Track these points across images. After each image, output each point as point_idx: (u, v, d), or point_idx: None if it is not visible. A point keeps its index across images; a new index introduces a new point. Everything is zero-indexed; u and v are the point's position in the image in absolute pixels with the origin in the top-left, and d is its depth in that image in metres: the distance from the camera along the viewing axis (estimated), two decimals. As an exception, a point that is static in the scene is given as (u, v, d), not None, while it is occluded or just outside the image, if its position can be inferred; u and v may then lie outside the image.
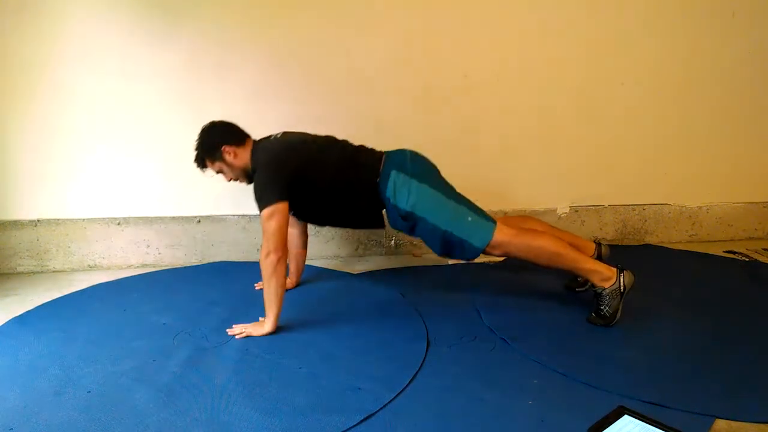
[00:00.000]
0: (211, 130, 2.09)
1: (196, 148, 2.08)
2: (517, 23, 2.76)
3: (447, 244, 2.06)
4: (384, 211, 2.13)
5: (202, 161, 2.09)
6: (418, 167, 2.08)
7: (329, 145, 2.14)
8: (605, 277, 1.99)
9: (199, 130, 2.09)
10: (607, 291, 1.99)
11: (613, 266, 2.02)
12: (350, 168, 2.07)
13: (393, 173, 2.04)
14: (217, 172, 2.13)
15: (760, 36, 2.97)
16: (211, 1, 2.52)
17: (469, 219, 2.02)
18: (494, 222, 2.03)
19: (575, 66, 2.85)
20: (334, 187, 2.07)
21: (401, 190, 2.02)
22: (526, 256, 2.03)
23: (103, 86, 2.53)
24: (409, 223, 2.06)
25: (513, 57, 2.79)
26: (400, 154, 2.12)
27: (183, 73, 2.57)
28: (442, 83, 2.77)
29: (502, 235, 2.00)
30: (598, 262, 2.07)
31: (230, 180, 2.15)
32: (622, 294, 1.99)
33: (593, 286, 2.03)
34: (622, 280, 1.98)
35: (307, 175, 2.03)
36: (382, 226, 2.20)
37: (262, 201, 1.94)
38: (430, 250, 2.14)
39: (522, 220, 2.30)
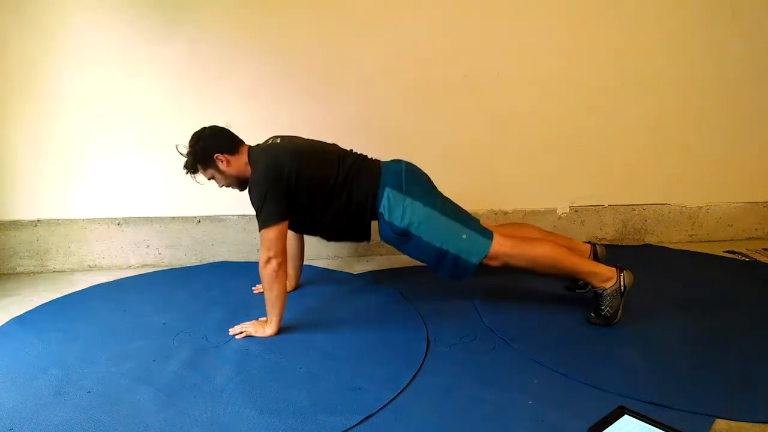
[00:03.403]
0: (204, 136, 2.01)
1: (187, 154, 2.01)
2: (517, 23, 2.76)
3: (440, 261, 2.03)
4: (374, 222, 2.10)
5: (193, 167, 2.02)
6: (411, 182, 2.04)
7: (327, 160, 2.04)
8: (606, 278, 2.00)
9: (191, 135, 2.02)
10: (608, 291, 2.00)
11: (612, 266, 2.02)
12: (347, 186, 2.02)
13: (387, 190, 2.01)
14: (209, 179, 2.06)
15: (760, 36, 2.97)
16: (212, 2, 2.52)
17: (464, 236, 1.99)
18: (490, 236, 2.01)
19: (575, 66, 2.85)
20: (329, 203, 2.02)
21: (395, 208, 1.99)
22: (526, 265, 2.02)
23: (103, 86, 2.53)
24: (403, 239, 2.03)
25: (513, 57, 2.79)
26: (395, 166, 2.08)
27: (183, 73, 2.57)
28: (441, 84, 2.77)
29: (499, 246, 1.99)
30: (598, 263, 2.08)
31: (222, 186, 2.09)
32: (622, 294, 2.00)
33: (594, 287, 2.03)
34: (622, 280, 1.99)
35: (301, 191, 1.97)
36: (368, 239, 2.15)
37: (261, 219, 1.93)
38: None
39: (517, 227, 2.27)
